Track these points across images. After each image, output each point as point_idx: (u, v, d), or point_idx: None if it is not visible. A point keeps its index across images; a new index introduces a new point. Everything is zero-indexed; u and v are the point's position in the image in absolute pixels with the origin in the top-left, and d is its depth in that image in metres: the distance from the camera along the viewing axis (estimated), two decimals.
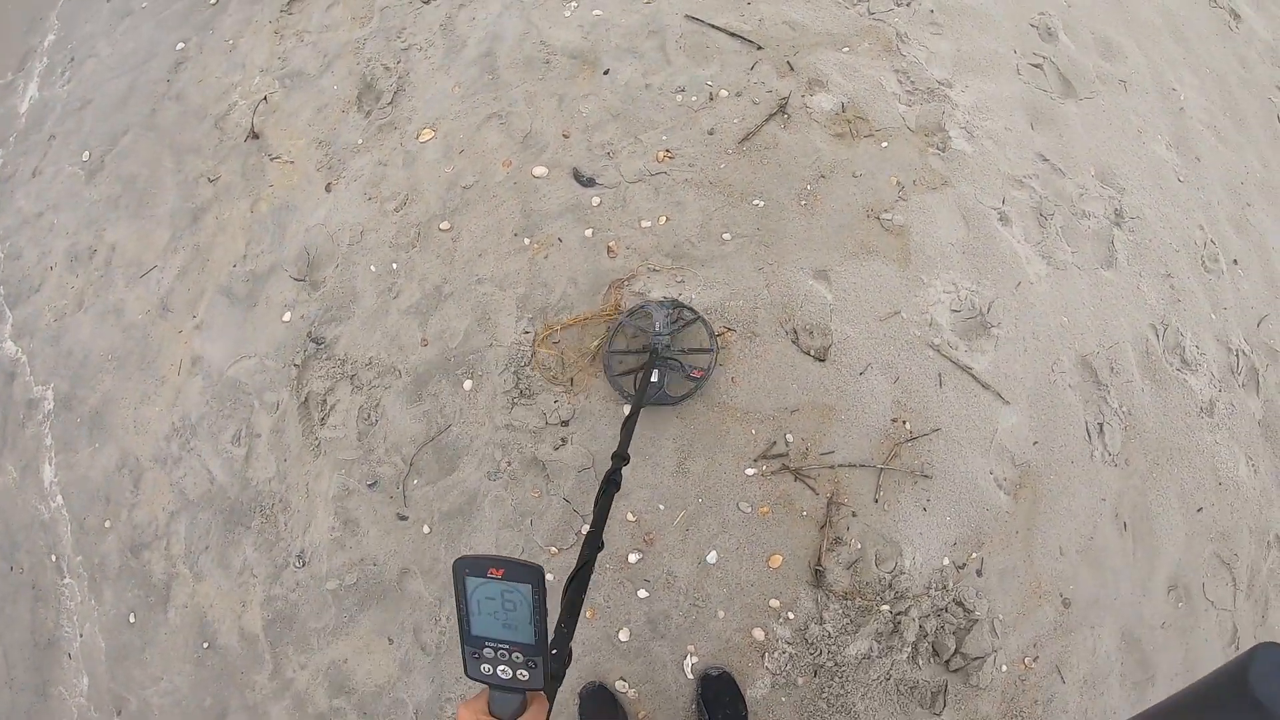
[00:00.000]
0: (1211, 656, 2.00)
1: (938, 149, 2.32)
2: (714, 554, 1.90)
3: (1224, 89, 2.68)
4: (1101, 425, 2.07)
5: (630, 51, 2.47)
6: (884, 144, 2.30)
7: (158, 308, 2.38)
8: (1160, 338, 2.21)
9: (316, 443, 2.07)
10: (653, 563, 1.89)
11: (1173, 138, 2.51)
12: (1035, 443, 2.05)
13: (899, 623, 1.89)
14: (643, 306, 2.02)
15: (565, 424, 1.98)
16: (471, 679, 0.75)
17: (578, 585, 1.02)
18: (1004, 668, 1.92)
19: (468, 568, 0.73)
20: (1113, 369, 2.14)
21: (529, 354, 2.04)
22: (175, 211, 2.52)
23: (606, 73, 2.42)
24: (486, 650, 0.74)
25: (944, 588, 1.93)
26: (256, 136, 2.56)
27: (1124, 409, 2.11)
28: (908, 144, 2.32)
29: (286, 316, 2.22)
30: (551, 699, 0.86)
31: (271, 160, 2.50)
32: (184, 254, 2.43)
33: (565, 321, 2.05)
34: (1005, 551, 1.98)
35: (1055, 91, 2.49)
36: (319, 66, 2.66)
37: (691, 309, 2.01)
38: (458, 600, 0.74)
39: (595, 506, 1.23)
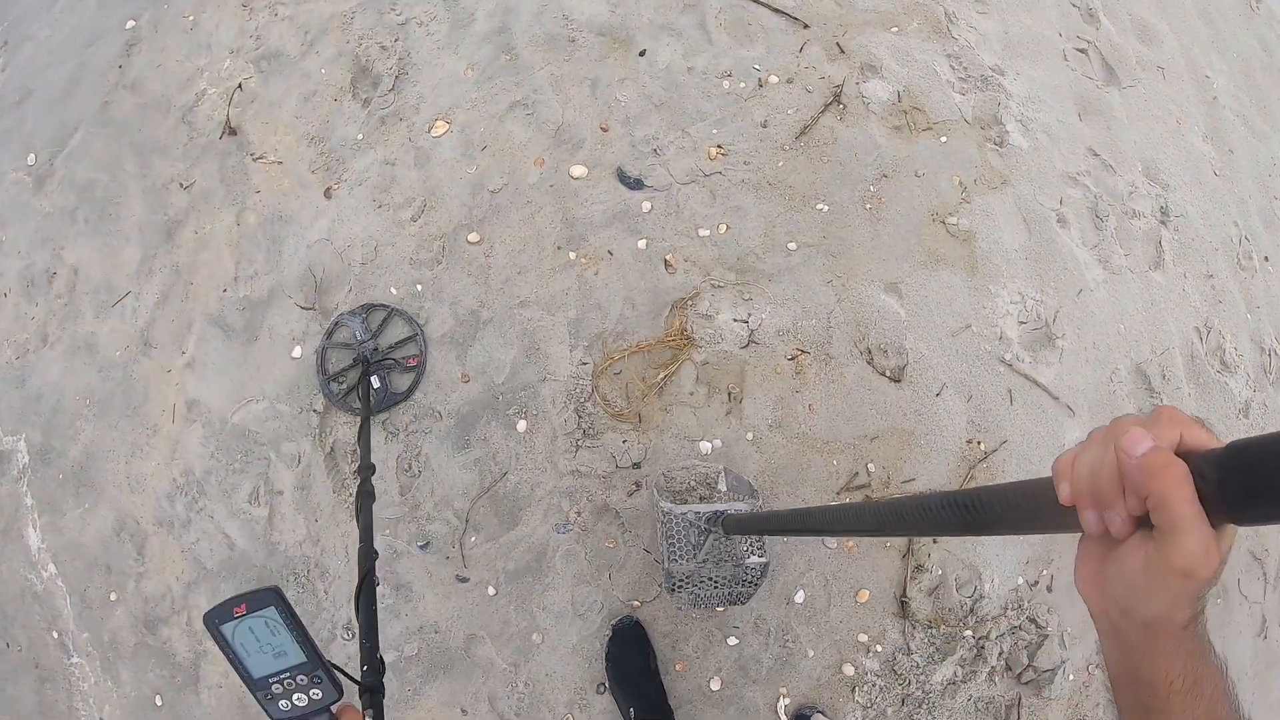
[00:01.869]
0: (1244, 646, 1.89)
1: (995, 144, 1.96)
2: (801, 594, 1.61)
3: (1248, 75, 2.39)
4: None
5: (666, 28, 1.97)
6: (943, 138, 1.92)
7: (137, 342, 1.83)
8: (1204, 340, 1.98)
9: (351, 500, 1.64)
10: (741, 608, 1.60)
11: (1208, 129, 2.22)
12: None
13: (982, 647, 1.67)
14: (338, 324, 1.71)
15: (637, 466, 1.61)
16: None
17: (366, 598, 0.96)
18: (1070, 677, 1.74)
19: (216, 618, 0.67)
20: (1164, 376, 1.91)
21: (589, 388, 1.64)
22: (144, 225, 1.92)
23: (643, 54, 1.91)
24: (274, 686, 0.68)
25: (1019, 607, 1.71)
26: (234, 132, 1.95)
27: None
28: (966, 138, 1.94)
29: (297, 352, 1.73)
30: (378, 710, 0.84)
31: (255, 161, 1.91)
32: (161, 277, 1.86)
33: (626, 349, 1.65)
34: (1071, 566, 1.77)
35: (1100, 79, 2.13)
36: (300, 46, 2.03)
37: (383, 305, 1.71)
38: (224, 653, 0.67)
39: (358, 521, 1.13)
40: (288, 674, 0.68)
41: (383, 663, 0.92)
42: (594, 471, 1.59)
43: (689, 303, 1.67)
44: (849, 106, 1.90)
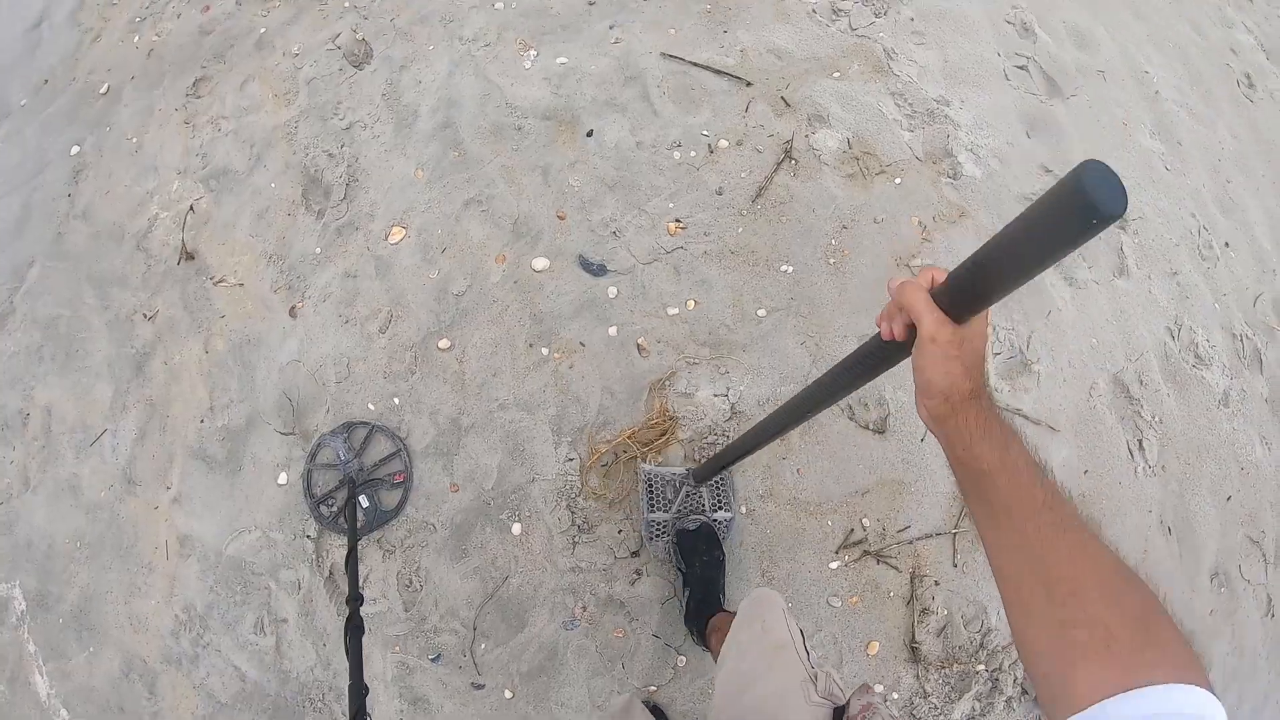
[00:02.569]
0: (1253, 629, 1.87)
1: (949, 177, 1.90)
2: (724, 599, 1.57)
3: (1186, 61, 2.35)
4: (1140, 441, 1.82)
5: (610, 105, 1.89)
6: (898, 180, 1.87)
7: (120, 481, 1.74)
8: (1176, 338, 1.95)
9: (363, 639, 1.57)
10: None
11: (1154, 125, 2.18)
12: (1086, 472, 1.78)
13: (997, 679, 1.63)
14: (320, 445, 1.64)
15: (635, 554, 1.55)
16: None
17: None
18: None
19: None
20: (1141, 381, 1.87)
21: (578, 484, 1.58)
22: (113, 360, 1.83)
23: (590, 134, 1.84)
24: None
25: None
26: (191, 257, 1.86)
27: (1156, 418, 1.86)
28: (920, 176, 1.89)
29: (283, 478, 1.65)
30: None
31: (216, 284, 1.82)
32: (136, 412, 1.77)
33: (611, 441, 1.59)
34: None
35: (1043, 93, 2.08)
36: (248, 161, 1.94)
37: (363, 422, 1.64)
38: None
39: (348, 656, 1.05)
40: None
41: None
42: (594, 566, 1.53)
43: (667, 383, 1.61)
44: (801, 161, 1.84)
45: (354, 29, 2.01)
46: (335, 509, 1.62)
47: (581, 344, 1.64)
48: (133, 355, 1.83)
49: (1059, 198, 0.45)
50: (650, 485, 1.55)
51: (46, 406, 1.87)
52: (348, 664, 1.06)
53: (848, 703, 0.83)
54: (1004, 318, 1.79)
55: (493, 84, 1.90)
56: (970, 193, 1.89)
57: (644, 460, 1.56)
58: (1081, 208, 0.43)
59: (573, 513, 1.55)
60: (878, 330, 0.65)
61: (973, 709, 1.61)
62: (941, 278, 0.58)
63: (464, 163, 1.81)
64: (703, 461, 1.52)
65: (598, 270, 1.69)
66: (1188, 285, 1.98)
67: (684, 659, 1.51)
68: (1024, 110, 2.04)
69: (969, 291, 0.54)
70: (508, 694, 1.52)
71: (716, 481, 1.57)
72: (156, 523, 1.71)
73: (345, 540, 1.60)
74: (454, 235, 1.75)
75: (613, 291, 1.68)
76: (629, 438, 1.56)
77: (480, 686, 1.53)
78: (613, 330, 1.65)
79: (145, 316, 1.84)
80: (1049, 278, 1.86)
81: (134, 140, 2.03)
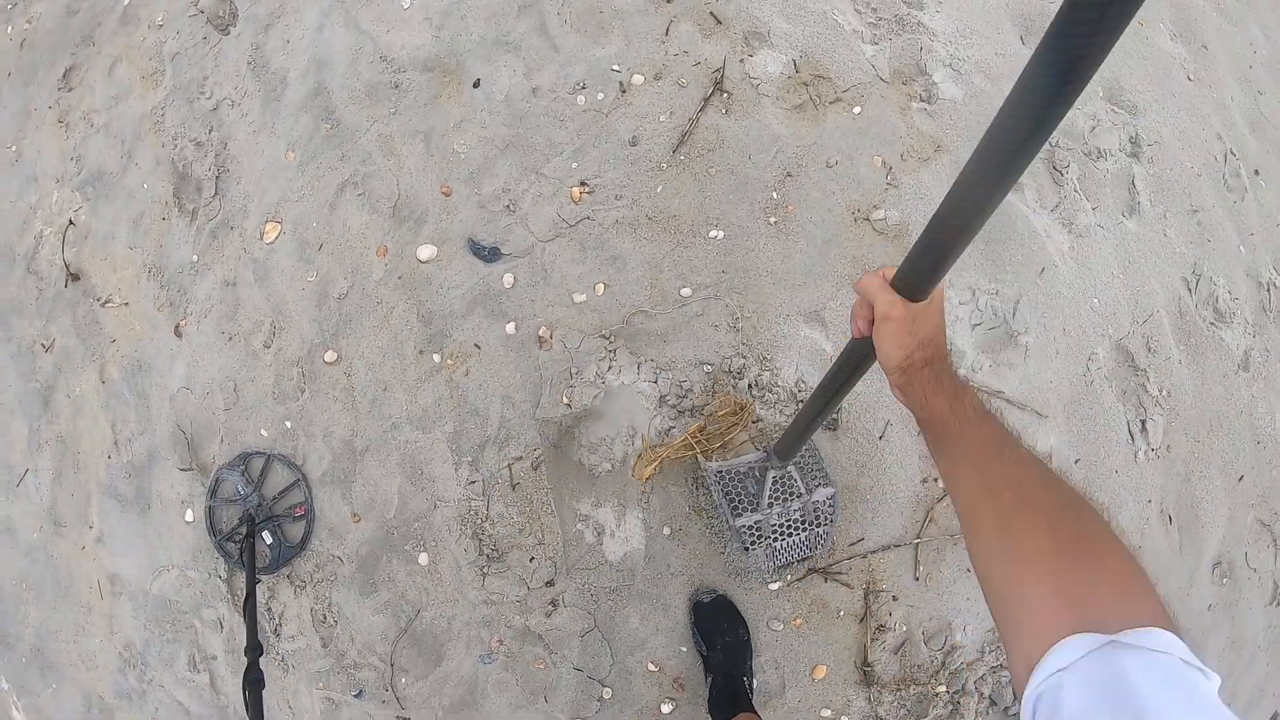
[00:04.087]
0: (1255, 619, 1.46)
1: (923, 101, 1.37)
2: (755, 680, 1.29)
3: None
4: (1144, 421, 1.35)
5: (501, 43, 1.41)
6: (856, 109, 1.35)
7: (48, 521, 1.53)
8: (1193, 291, 1.41)
9: (280, 658, 1.35)
10: (689, 710, 1.26)
11: (1176, 24, 1.52)
12: (1077, 461, 1.34)
13: (959, 703, 1.31)
14: (219, 481, 1.35)
15: (550, 584, 1.26)
16: None
17: None
18: None
19: None
20: (1150, 348, 1.38)
21: (484, 510, 1.28)
22: (21, 395, 1.58)
23: (477, 84, 1.38)
24: None
25: (996, 648, 1.34)
26: (76, 278, 1.55)
27: (1164, 392, 1.37)
28: (885, 102, 1.36)
29: (189, 515, 1.40)
30: None
31: (103, 306, 1.51)
32: (51, 449, 1.53)
33: (670, 446, 1.26)
34: None
35: None
36: (120, 159, 1.57)
37: (259, 452, 1.35)
38: None
39: (248, 712, 0.93)
40: None
41: None
42: (506, 597, 1.24)
43: (572, 381, 1.25)
44: (735, 94, 1.34)
45: None
46: (240, 546, 1.38)
47: (476, 346, 1.28)
48: (38, 389, 1.57)
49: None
50: (725, 486, 1.19)
51: None
52: None
53: None
54: (988, 278, 1.32)
55: (365, 34, 1.44)
56: (948, 120, 1.36)
57: (707, 457, 1.20)
58: None
59: (479, 541, 1.25)
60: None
61: None
62: (892, 271, 0.60)
63: (337, 135, 1.40)
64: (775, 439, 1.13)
65: (490, 255, 1.30)
66: (1209, 224, 1.43)
67: (609, 691, 1.24)
68: (1017, 9, 1.44)
69: (919, 269, 0.56)
70: None
71: (803, 454, 1.20)
72: (86, 562, 1.51)
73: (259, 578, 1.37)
74: (330, 227, 1.37)
75: (509, 280, 1.29)
76: (695, 435, 1.20)
77: None
78: (510, 328, 1.27)
79: (44, 347, 1.57)
80: (1043, 225, 1.35)
81: (13, 149, 1.68)
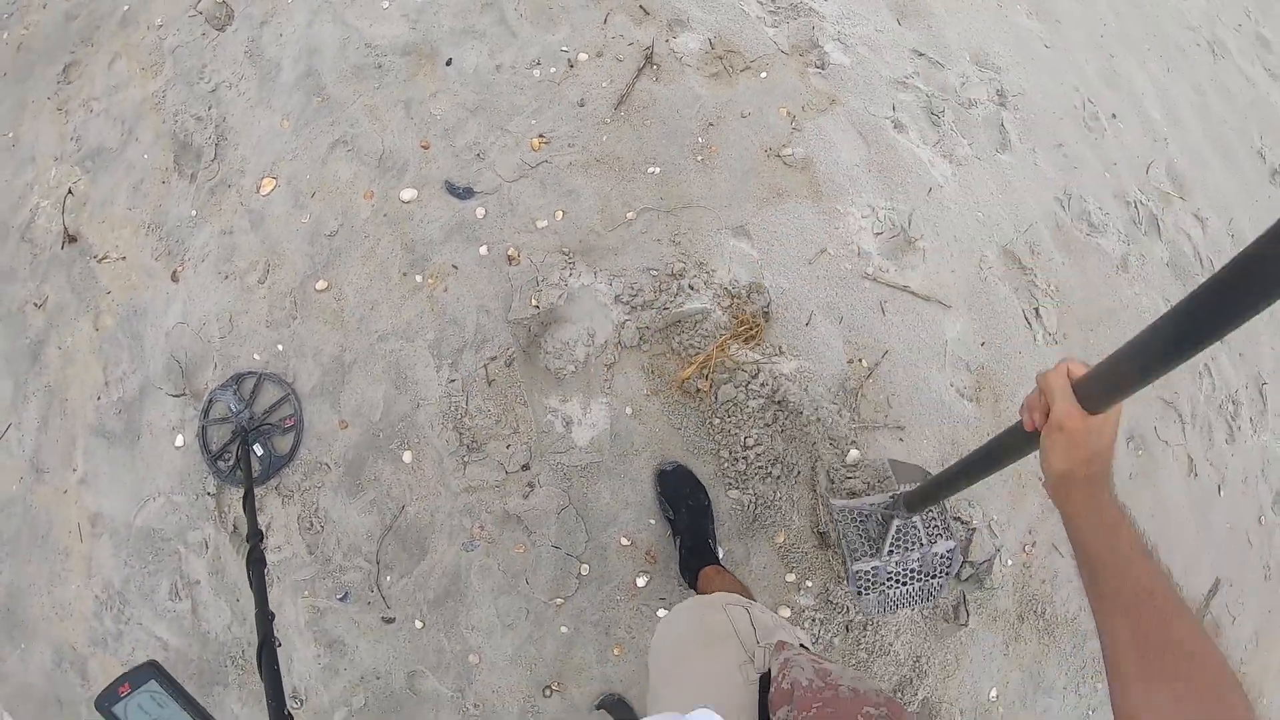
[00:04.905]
0: (1176, 489, 1.84)
1: (817, 67, 1.86)
2: (720, 550, 1.56)
3: None
4: (1037, 309, 1.79)
5: (468, 32, 1.86)
6: (763, 74, 1.83)
7: (29, 472, 1.73)
8: (1066, 208, 1.90)
9: (265, 571, 1.57)
10: (662, 580, 1.53)
11: (1031, 4, 2.12)
12: (983, 343, 1.75)
13: None
14: (212, 402, 1.61)
15: (526, 467, 1.54)
16: None
17: (268, 659, 0.94)
18: (1009, 562, 1.69)
19: (106, 701, 0.65)
20: (1033, 251, 1.84)
21: (464, 405, 1.57)
22: (9, 354, 1.82)
23: (449, 63, 1.81)
24: None
25: (941, 510, 1.67)
26: (74, 240, 1.85)
27: (1052, 287, 1.82)
28: (786, 69, 1.85)
29: (179, 441, 1.64)
30: None
31: (99, 262, 1.81)
32: (36, 401, 1.76)
33: (701, 356, 1.57)
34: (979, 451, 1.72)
35: None
36: (120, 137, 1.92)
37: (250, 372, 1.62)
38: None
39: (252, 588, 1.07)
40: None
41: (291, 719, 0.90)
42: (486, 483, 1.52)
43: (539, 287, 1.59)
44: (663, 66, 1.81)
45: None
46: (232, 462, 1.61)
47: (454, 267, 1.62)
48: (27, 346, 1.82)
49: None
50: (847, 526, 1.31)
51: None
52: (253, 596, 1.06)
53: (769, 668, 0.78)
54: (884, 197, 1.76)
55: (351, 27, 1.87)
56: (840, 80, 1.85)
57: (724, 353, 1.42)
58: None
59: (460, 433, 1.54)
60: (1019, 422, 0.73)
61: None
62: (1079, 371, 0.64)
63: (327, 107, 1.79)
64: (903, 490, 1.30)
65: (464, 194, 1.67)
66: (1075, 156, 1.94)
67: (586, 567, 1.50)
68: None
69: (1105, 384, 0.60)
70: (418, 624, 1.51)
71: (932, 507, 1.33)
72: (67, 506, 1.71)
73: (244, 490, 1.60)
74: (322, 178, 1.73)
75: (481, 212, 1.65)
76: (721, 348, 1.52)
77: (390, 620, 1.52)
78: (484, 250, 1.63)
79: (35, 305, 1.83)
80: (927, 156, 1.83)
81: (10, 135, 2.01)
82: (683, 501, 1.48)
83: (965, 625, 1.61)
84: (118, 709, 0.66)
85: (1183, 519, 1.80)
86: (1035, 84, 2.01)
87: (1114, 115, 2.04)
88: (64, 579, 1.67)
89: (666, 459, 1.52)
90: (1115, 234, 1.89)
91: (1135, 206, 1.94)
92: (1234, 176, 2.08)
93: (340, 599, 1.53)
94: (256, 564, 1.15)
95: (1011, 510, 1.67)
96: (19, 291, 1.86)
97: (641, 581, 1.51)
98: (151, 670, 0.67)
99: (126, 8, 2.07)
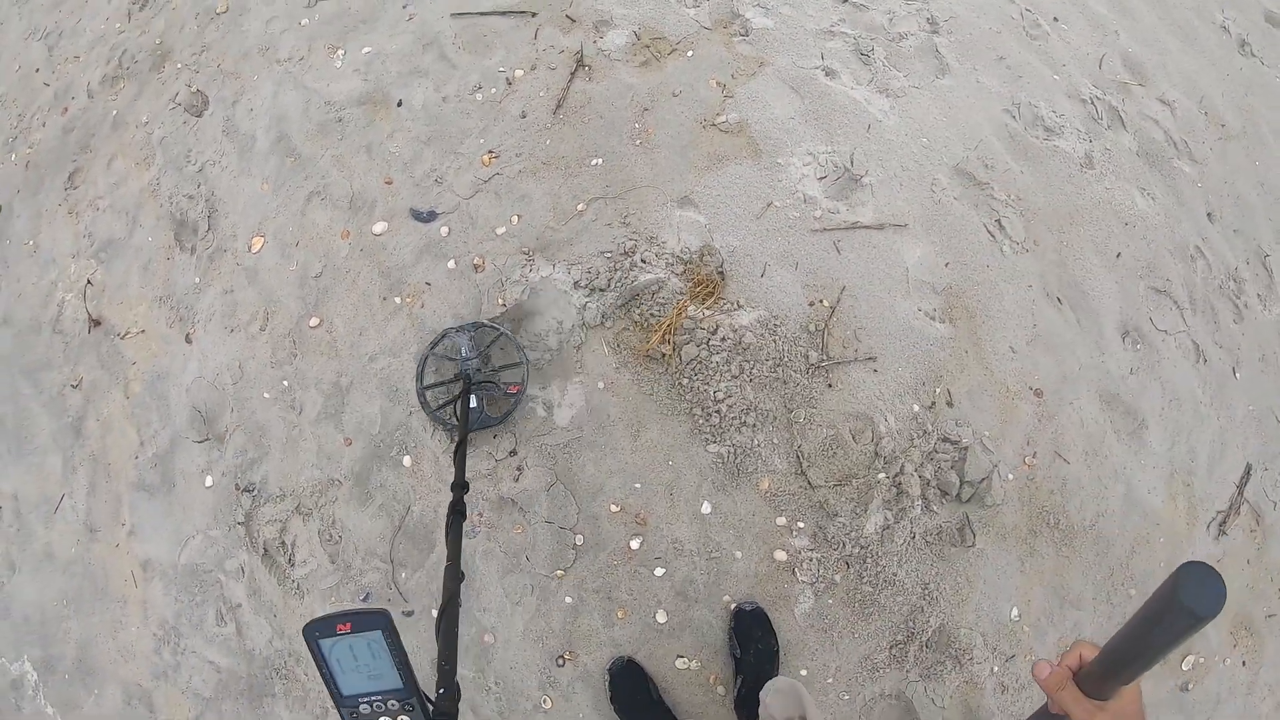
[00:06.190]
0: (1185, 377, 2.04)
1: (742, 35, 2.26)
2: (706, 505, 1.87)
3: None
4: (999, 221, 2.07)
5: (414, 72, 2.34)
6: (690, 53, 2.23)
7: (84, 533, 2.24)
8: (1017, 117, 2.20)
9: (295, 585, 1.98)
10: (655, 540, 1.86)
11: None
12: (947, 264, 2.04)
13: (899, 483, 1.89)
14: (444, 336, 1.95)
15: (513, 453, 1.91)
16: None
17: (449, 620, 1.00)
18: (1009, 476, 1.94)
19: (318, 630, 0.71)
20: (987, 165, 2.13)
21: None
22: (56, 434, 2.36)
23: (400, 104, 2.29)
24: (362, 707, 0.73)
25: (925, 432, 1.93)
26: (98, 323, 2.40)
27: (1013, 196, 2.11)
28: (712, 43, 2.25)
29: (208, 481, 2.10)
30: None
31: (122, 339, 2.34)
32: (84, 470, 2.28)
33: (666, 320, 1.97)
34: (963, 374, 1.98)
35: None
36: (126, 226, 2.48)
37: (494, 325, 1.93)
38: (319, 666, 0.73)
39: (447, 540, 1.17)
40: (379, 697, 0.74)
41: (458, 688, 0.95)
42: (478, 473, 1.89)
43: (503, 286, 1.99)
44: (594, 65, 2.23)
45: (189, 85, 2.55)
46: (443, 398, 1.92)
47: (427, 284, 2.05)
48: (70, 424, 2.35)
49: (1162, 606, 0.62)
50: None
51: (13, 494, 2.40)
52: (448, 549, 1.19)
53: None
54: (823, 142, 2.10)
55: (311, 90, 2.38)
56: (766, 43, 2.23)
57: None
58: (1180, 614, 0.59)
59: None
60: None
61: (885, 519, 1.87)
62: (1091, 654, 0.74)
63: (300, 165, 2.29)
64: None
65: (428, 217, 2.11)
66: (1019, 66, 2.24)
67: (581, 537, 1.84)
68: None
69: (1106, 674, 0.71)
70: (434, 613, 1.88)
71: None
72: (120, 558, 2.19)
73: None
74: (303, 228, 2.21)
75: (445, 231, 2.08)
76: (679, 312, 1.88)
77: (410, 613, 1.90)
78: (451, 264, 2.05)
79: (73, 386, 2.37)
80: (862, 96, 2.16)
81: (31, 244, 2.61)
82: (752, 644, 1.76)
83: (972, 546, 1.85)
84: (326, 644, 0.71)
85: (1199, 407, 1.99)
86: (966, 4, 2.33)
87: (1055, 19, 2.33)
88: (124, 624, 2.14)
89: (747, 599, 1.82)
90: (1074, 134, 2.16)
91: (1092, 103, 2.21)
92: (1198, 55, 2.31)
93: (363, 600, 1.92)
94: (456, 516, 1.27)
95: (1003, 423, 1.92)
96: (57, 377, 2.40)
97: (635, 544, 1.83)
98: (382, 619, 0.72)
99: (115, 112, 2.67)
